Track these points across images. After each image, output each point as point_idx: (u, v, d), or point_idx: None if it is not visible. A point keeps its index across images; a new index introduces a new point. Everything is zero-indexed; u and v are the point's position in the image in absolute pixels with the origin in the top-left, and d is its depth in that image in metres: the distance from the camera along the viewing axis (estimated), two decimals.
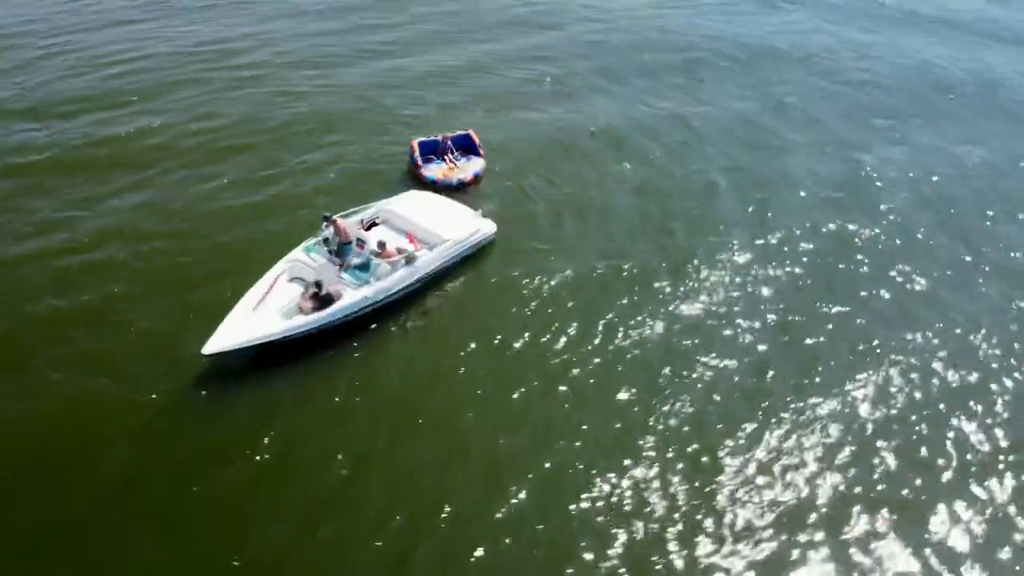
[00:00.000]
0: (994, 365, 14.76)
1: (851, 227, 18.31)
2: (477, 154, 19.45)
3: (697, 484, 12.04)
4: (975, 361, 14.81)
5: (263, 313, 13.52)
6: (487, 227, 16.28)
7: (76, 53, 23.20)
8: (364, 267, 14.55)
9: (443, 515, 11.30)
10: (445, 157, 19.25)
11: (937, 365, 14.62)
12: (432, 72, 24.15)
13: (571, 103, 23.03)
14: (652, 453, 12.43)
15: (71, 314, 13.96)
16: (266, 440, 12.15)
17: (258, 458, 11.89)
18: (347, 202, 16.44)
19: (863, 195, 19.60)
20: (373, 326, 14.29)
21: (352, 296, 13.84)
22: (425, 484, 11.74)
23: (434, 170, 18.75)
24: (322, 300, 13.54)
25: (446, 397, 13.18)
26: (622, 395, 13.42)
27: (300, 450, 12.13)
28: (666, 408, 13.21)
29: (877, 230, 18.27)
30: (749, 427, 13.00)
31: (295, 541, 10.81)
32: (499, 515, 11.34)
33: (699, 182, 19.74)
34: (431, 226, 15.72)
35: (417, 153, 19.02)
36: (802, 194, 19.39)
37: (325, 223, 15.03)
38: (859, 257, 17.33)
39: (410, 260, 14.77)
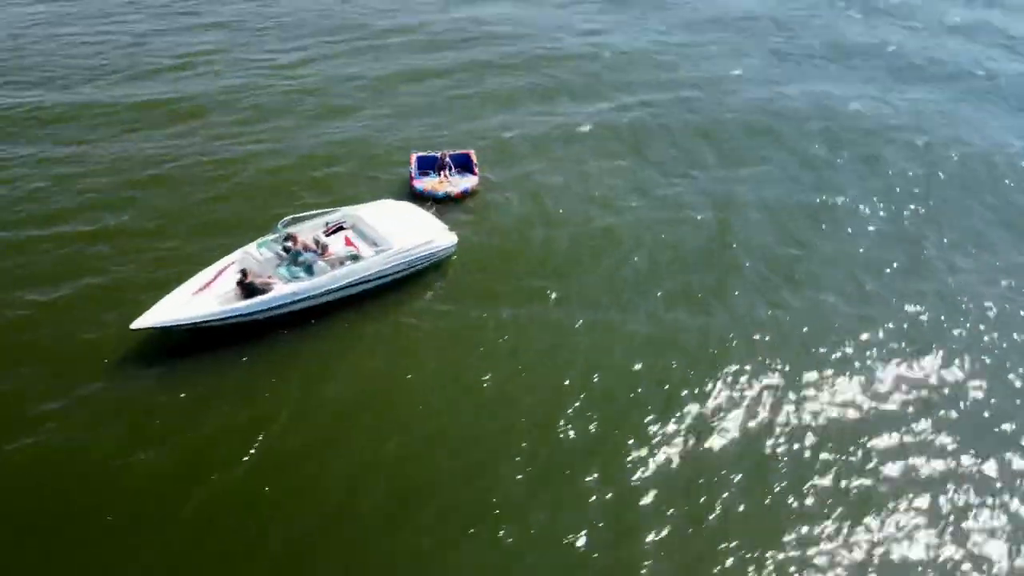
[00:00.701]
0: None
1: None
2: (473, 173, 19.51)
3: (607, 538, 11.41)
4: None
5: (200, 298, 14.21)
6: (442, 240, 16.20)
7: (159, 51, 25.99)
8: (306, 265, 14.89)
9: (342, 534, 11.29)
10: (442, 173, 19.46)
11: None
12: (465, 96, 24.44)
13: (603, 145, 22.14)
14: (565, 505, 11.89)
15: (47, 303, 15.02)
16: (192, 431, 12.69)
17: (181, 447, 12.41)
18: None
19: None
20: (325, 328, 14.63)
21: (280, 289, 14.25)
22: (331, 499, 11.77)
23: (425, 183, 19.11)
24: (247, 289, 14.00)
25: (372, 416, 13.21)
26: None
27: (219, 446, 12.49)
28: (586, 480, 12.35)
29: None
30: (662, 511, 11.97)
31: (195, 542, 11.11)
32: (399, 544, 11.20)
33: (715, 242, 18.00)
34: (386, 233, 15.91)
35: (414, 166, 19.48)
36: (835, 274, 17.05)
37: (281, 226, 15.71)
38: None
39: (354, 259, 15.08)
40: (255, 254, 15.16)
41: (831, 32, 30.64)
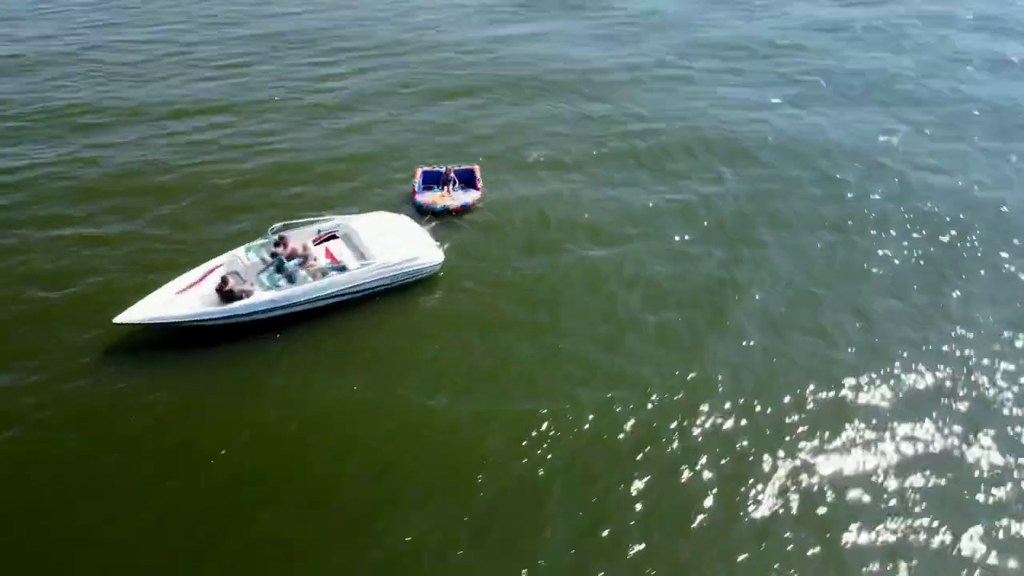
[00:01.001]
0: None
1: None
2: (476, 189, 19.49)
3: None
4: None
5: (183, 297, 14.52)
6: (428, 257, 16.13)
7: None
8: (288, 274, 15.06)
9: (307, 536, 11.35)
10: (446, 187, 19.50)
11: None
12: (485, 115, 24.49)
13: (617, 169, 21.70)
14: (521, 538, 11.67)
15: (45, 301, 15.55)
16: (177, 430, 13.01)
17: (168, 445, 12.74)
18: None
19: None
20: (308, 335, 14.83)
21: (258, 297, 14.45)
22: (292, 510, 11.83)
23: (427, 196, 19.19)
24: (225, 295, 14.22)
25: (345, 427, 13.24)
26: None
27: (198, 446, 12.71)
28: (542, 514, 12.04)
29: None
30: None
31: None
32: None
33: (717, 278, 17.24)
34: (373, 246, 15.97)
35: (418, 180, 19.63)
36: (841, 318, 16.09)
37: (271, 232, 15.93)
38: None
39: (341, 270, 15.35)
40: (243, 258, 15.44)
41: (871, 63, 29.42)
